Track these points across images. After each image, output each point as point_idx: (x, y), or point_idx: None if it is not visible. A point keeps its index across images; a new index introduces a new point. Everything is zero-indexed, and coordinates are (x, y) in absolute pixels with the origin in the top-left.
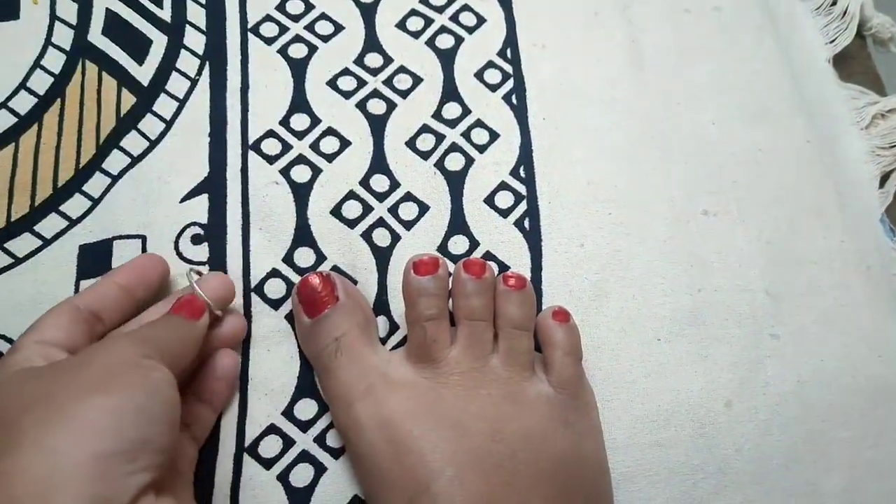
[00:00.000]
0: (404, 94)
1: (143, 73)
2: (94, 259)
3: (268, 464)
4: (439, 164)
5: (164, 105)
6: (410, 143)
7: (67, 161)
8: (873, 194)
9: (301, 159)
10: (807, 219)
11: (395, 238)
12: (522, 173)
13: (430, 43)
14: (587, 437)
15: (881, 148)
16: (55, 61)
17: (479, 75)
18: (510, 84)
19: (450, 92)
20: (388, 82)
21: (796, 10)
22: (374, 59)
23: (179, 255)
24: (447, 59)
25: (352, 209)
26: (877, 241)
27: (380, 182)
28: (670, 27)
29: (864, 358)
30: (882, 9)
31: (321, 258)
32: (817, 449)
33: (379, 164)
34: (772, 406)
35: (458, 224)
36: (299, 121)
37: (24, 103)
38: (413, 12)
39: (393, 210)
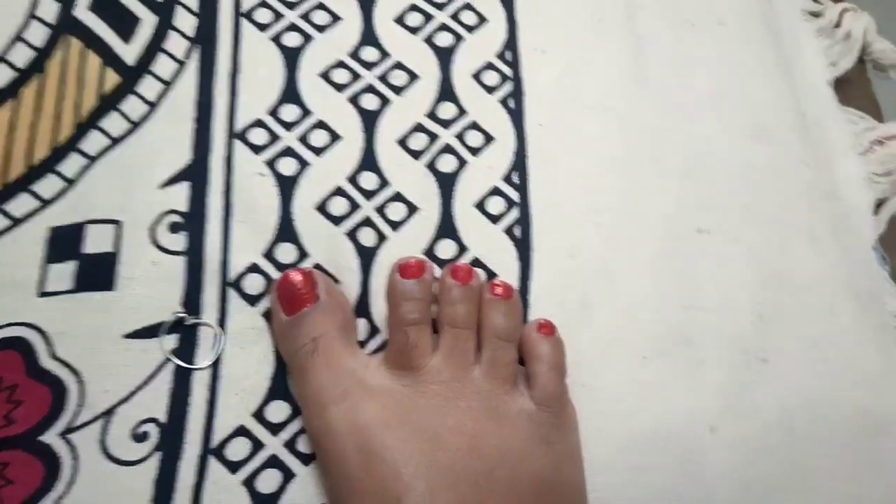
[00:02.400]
0: (399, 90)
1: (129, 53)
2: (64, 243)
3: (234, 467)
4: (431, 165)
5: (148, 87)
6: (402, 142)
7: (43, 139)
8: (867, 221)
9: (288, 151)
10: (800, 242)
11: (382, 238)
12: (516, 179)
13: (429, 40)
14: (566, 458)
15: (877, 175)
16: (38, 34)
17: (476, 76)
18: (508, 87)
19: (446, 91)
20: (384, 78)
21: (799, 30)
22: (370, 53)
23: (155, 242)
24: (445, 57)
25: (338, 206)
26: (868, 268)
27: (369, 180)
28: (673, 38)
29: (851, 387)
30: (885, 35)
31: (303, 255)
32: (799, 478)
33: (369, 161)
34: (757, 433)
35: (447, 228)
36: (289, 111)
37: (1, 76)
38: (413, 7)
39: (381, 209)
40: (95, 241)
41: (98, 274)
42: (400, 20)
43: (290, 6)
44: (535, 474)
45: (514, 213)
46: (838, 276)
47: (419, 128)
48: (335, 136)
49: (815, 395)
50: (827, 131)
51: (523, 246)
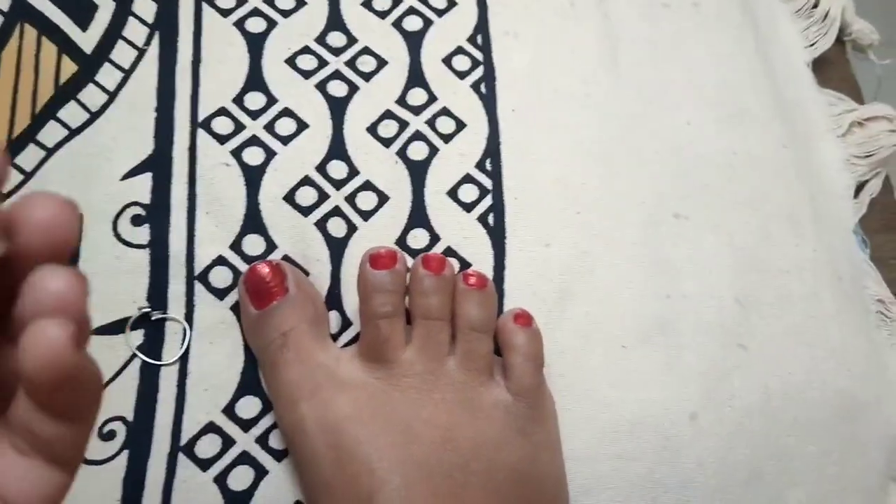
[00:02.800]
0: (367, 76)
1: (87, 40)
2: None
3: (204, 465)
4: (401, 153)
5: (107, 75)
6: (372, 129)
7: None
8: (847, 204)
9: (254, 140)
10: (779, 226)
11: (352, 229)
12: (489, 166)
13: (398, 24)
14: (545, 449)
15: (857, 157)
16: None
17: (447, 61)
18: (479, 72)
19: (416, 77)
20: (351, 63)
21: (777, 11)
22: (336, 38)
23: (118, 236)
24: (414, 42)
25: (306, 196)
26: (849, 252)
27: (337, 169)
28: (647, 22)
29: (832, 371)
30: (863, 15)
31: (272, 246)
32: (781, 463)
33: (337, 149)
34: (737, 419)
35: (418, 217)
36: (254, 99)
37: None
38: None
39: (350, 199)
40: None
41: None
42: (367, 4)
43: None
44: (512, 466)
45: (488, 201)
46: (819, 260)
47: (389, 114)
48: (302, 125)
49: (796, 380)
50: (806, 113)
51: (497, 234)
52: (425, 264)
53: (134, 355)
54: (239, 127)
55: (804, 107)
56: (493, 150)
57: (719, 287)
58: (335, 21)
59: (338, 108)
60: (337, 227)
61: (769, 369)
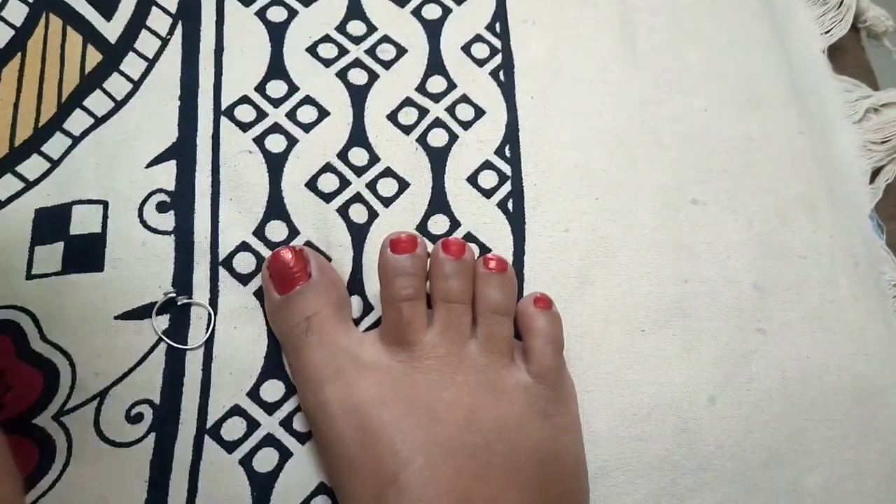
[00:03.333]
0: (387, 64)
1: (111, 30)
2: (51, 224)
3: (230, 447)
4: (421, 140)
5: (131, 64)
6: (392, 117)
7: (26, 119)
8: (864, 189)
9: (276, 128)
10: (797, 211)
11: (373, 215)
12: (508, 153)
13: (417, 12)
14: (565, 430)
15: (873, 143)
16: (16, 13)
17: (466, 49)
18: (498, 59)
19: (435, 65)
20: (371, 52)
21: None
22: (356, 27)
23: (143, 223)
24: (433, 30)
25: (328, 183)
26: (865, 237)
27: (358, 155)
28: (665, 8)
29: (850, 356)
30: (877, 1)
31: (294, 232)
32: (799, 447)
33: (358, 136)
34: (755, 403)
35: (438, 203)
36: (276, 88)
37: None
38: None
39: (371, 185)
40: (82, 222)
41: (86, 255)
42: None
43: None
44: (534, 447)
45: (507, 187)
46: (836, 245)
47: (409, 102)
48: (323, 112)
49: (813, 364)
50: (822, 100)
51: (516, 220)
52: (445, 248)
53: (160, 339)
54: (261, 115)
55: (820, 94)
56: (511, 136)
57: (738, 272)
58: (355, 10)
59: (358, 95)
60: (358, 214)
61: (787, 353)
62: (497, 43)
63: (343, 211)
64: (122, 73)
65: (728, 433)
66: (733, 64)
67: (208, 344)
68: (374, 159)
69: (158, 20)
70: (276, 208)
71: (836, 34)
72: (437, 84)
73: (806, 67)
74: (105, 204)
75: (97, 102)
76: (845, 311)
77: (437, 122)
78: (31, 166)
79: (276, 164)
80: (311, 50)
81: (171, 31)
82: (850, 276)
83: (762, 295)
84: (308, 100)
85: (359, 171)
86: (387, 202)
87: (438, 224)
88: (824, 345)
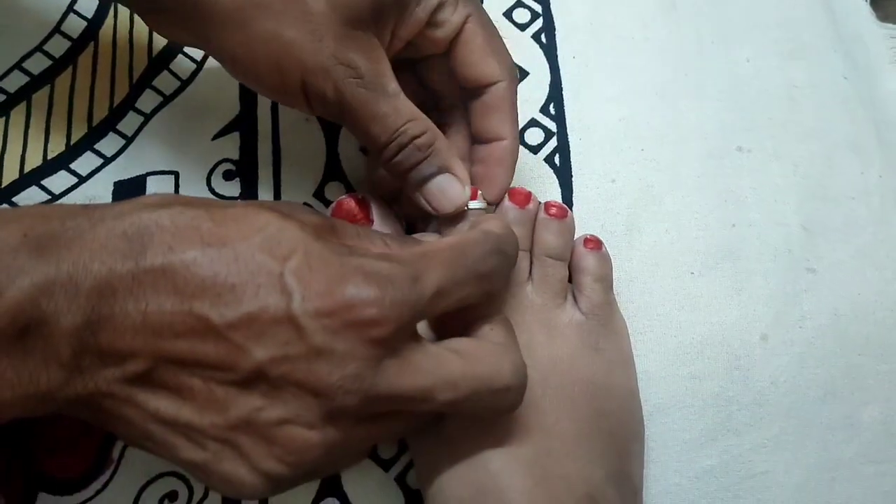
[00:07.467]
0: None
1: None
2: (129, 194)
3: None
4: None
5: None
6: None
7: (101, 101)
8: None
9: None
10: (844, 154)
11: None
12: (552, 110)
13: None
14: (617, 363)
15: None
16: (88, 5)
17: (507, 14)
18: (539, 23)
19: None
20: None
21: None
22: None
23: (212, 190)
24: None
25: None
26: None
27: None
28: None
29: None
30: None
31: (351, 192)
32: (854, 382)
33: None
34: (808, 339)
35: None
36: None
37: (58, 46)
38: None
39: None
40: (157, 190)
41: None
42: None
43: None
44: (587, 379)
45: (553, 143)
46: (886, 185)
47: None
48: None
49: (865, 301)
50: (866, 47)
51: (564, 173)
52: (511, 197)
53: None
54: None
55: (864, 40)
56: (556, 95)
57: (785, 214)
58: None
59: None
60: None
61: (838, 291)
62: (538, 7)
63: None
64: (185, 55)
65: (782, 370)
66: (775, 14)
67: None
68: None
69: None
70: (333, 171)
71: None
72: None
73: (848, 15)
74: (176, 174)
75: (165, 82)
76: None
77: None
78: (109, 143)
79: (332, 130)
80: None
81: None
82: None
83: (811, 236)
84: None
85: None
86: None
87: None
88: (876, 282)
